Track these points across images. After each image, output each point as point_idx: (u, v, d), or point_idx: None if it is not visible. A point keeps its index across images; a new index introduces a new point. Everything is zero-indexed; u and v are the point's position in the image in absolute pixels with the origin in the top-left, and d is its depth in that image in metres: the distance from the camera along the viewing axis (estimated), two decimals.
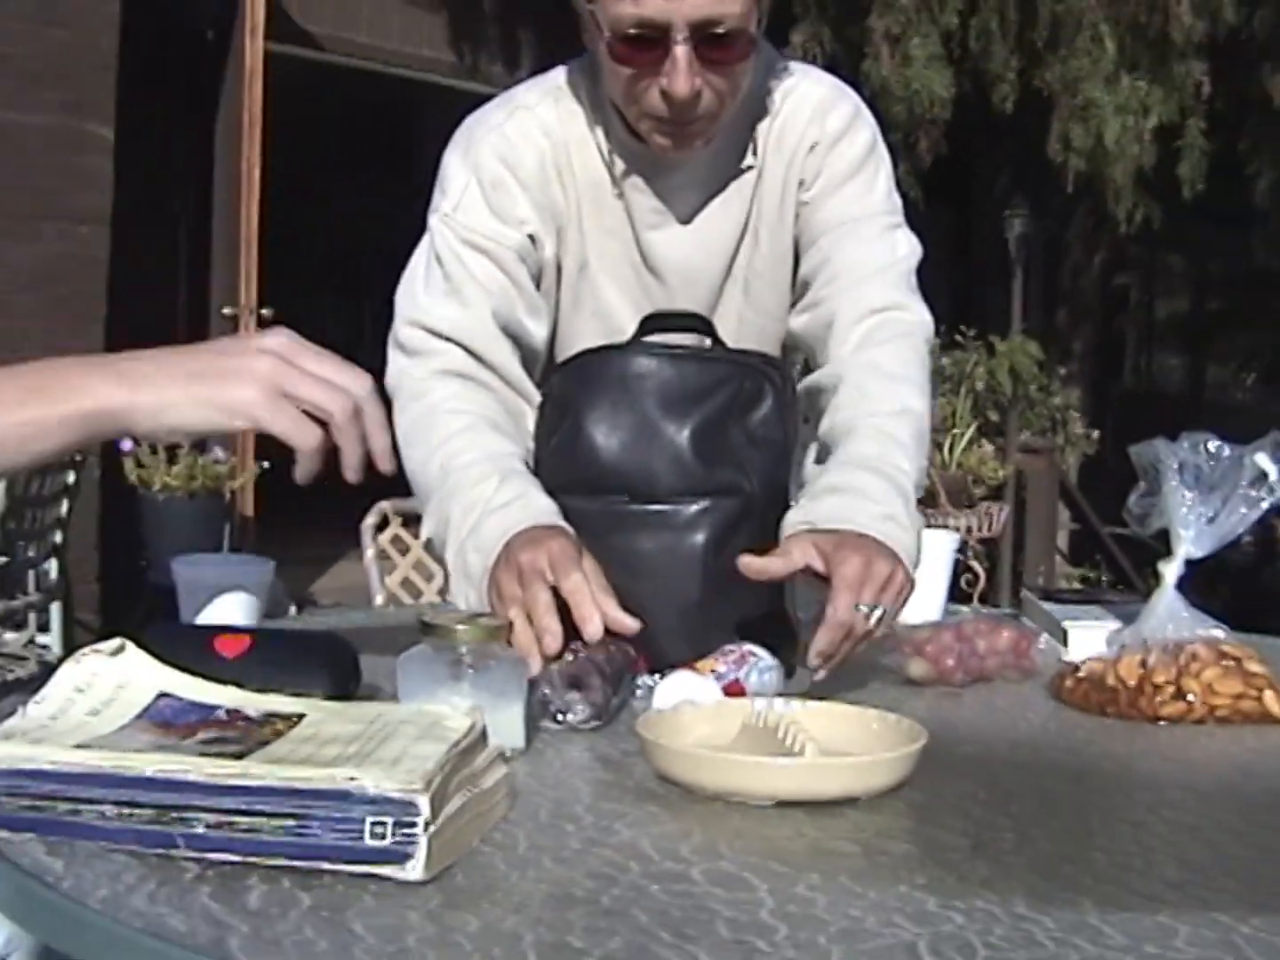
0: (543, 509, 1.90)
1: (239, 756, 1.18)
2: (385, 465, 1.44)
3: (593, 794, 1.36)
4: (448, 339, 2.15)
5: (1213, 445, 1.83)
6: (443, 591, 3.13)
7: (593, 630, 1.67)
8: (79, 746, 1.20)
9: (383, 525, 3.06)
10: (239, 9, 7.60)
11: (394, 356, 2.21)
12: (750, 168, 2.24)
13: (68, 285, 7.01)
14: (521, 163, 2.20)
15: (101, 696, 1.33)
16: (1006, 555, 8.61)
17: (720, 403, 1.85)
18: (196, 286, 8.01)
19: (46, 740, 1.21)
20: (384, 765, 1.13)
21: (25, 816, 1.17)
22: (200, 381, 1.33)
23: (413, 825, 1.09)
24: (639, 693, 1.69)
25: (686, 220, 2.25)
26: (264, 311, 7.55)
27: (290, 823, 1.11)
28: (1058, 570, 9.80)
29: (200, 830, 1.13)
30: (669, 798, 1.38)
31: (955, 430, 8.15)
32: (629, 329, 2.14)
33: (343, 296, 16.77)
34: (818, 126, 2.23)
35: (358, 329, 16.65)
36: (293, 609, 6.92)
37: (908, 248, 2.25)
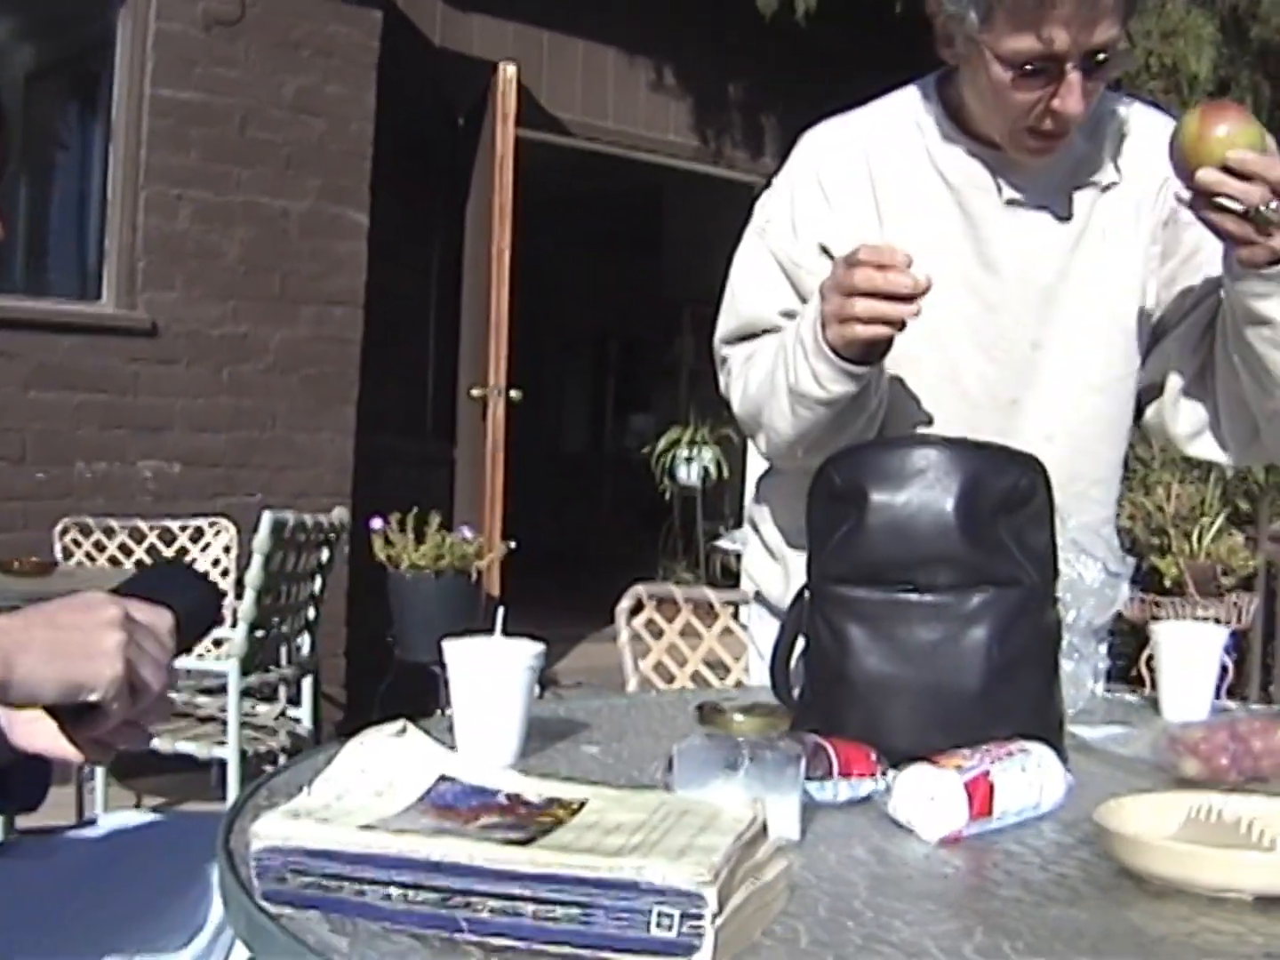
0: None
1: (524, 843, 1.18)
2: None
3: (869, 889, 1.35)
4: (752, 335, 2.39)
5: None
6: (695, 677, 3.13)
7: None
8: (365, 828, 1.21)
9: (637, 609, 3.06)
10: (490, 96, 7.75)
11: (721, 371, 2.48)
12: (1114, 184, 2.36)
13: (321, 366, 7.19)
14: (833, 177, 2.37)
15: (385, 778, 1.34)
16: (1256, 647, 8.38)
17: (997, 495, 1.84)
18: (445, 368, 8.15)
19: (333, 820, 1.23)
20: (670, 856, 1.13)
21: (311, 895, 1.19)
22: (64, 658, 1.33)
23: (699, 917, 1.09)
24: (878, 788, 1.65)
25: (1028, 221, 2.35)
26: (512, 393, 7.64)
27: (576, 911, 1.11)
28: None
29: (485, 915, 1.13)
30: (947, 895, 1.36)
31: (1204, 519, 7.97)
32: (957, 331, 2.33)
33: (587, 377, 16.98)
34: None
35: (600, 409, 16.86)
36: (537, 689, 6.96)
37: None
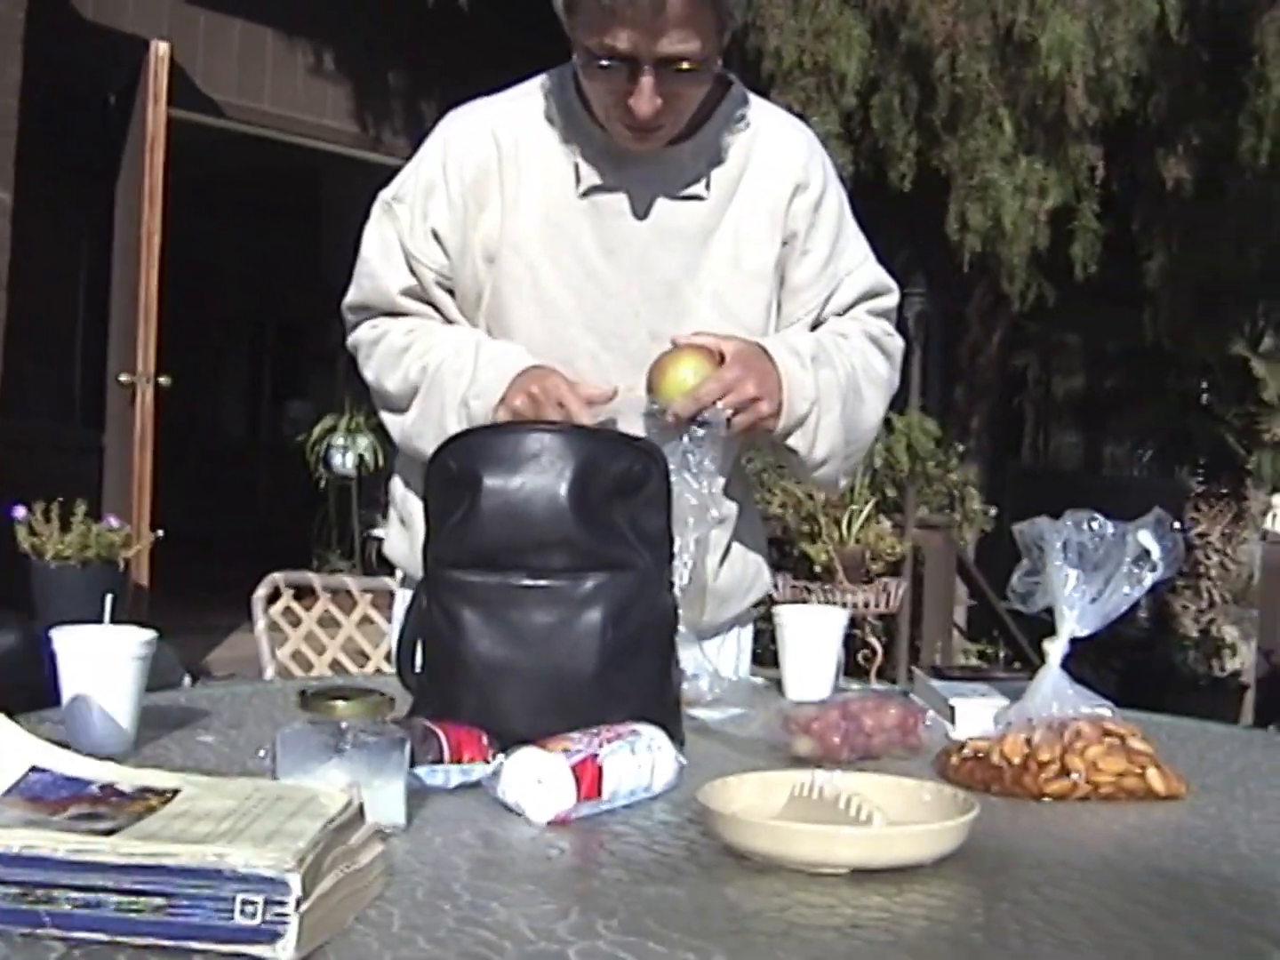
0: (522, 353, 2.30)
1: (110, 833, 1.15)
2: None
3: (471, 872, 1.35)
4: (383, 312, 2.47)
5: (1096, 523, 1.85)
6: (334, 665, 3.11)
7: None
8: None
9: (274, 597, 3.03)
10: (142, 75, 7.57)
11: (348, 328, 2.55)
12: (702, 198, 2.38)
13: None
14: (457, 163, 2.39)
15: None
16: (904, 631, 8.64)
17: (611, 480, 1.87)
18: (94, 353, 7.94)
19: None
20: (256, 842, 1.11)
21: None
22: None
23: (284, 904, 1.08)
24: (489, 773, 1.65)
25: (646, 214, 2.37)
26: (161, 379, 7.49)
27: (159, 901, 1.09)
28: (955, 646, 9.83)
29: (67, 909, 1.10)
30: (549, 877, 1.37)
31: (853, 506, 8.18)
32: (572, 317, 2.35)
33: (245, 362, 16.72)
34: (801, 170, 2.44)
35: (257, 395, 16.62)
36: (187, 679, 6.84)
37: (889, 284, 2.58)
